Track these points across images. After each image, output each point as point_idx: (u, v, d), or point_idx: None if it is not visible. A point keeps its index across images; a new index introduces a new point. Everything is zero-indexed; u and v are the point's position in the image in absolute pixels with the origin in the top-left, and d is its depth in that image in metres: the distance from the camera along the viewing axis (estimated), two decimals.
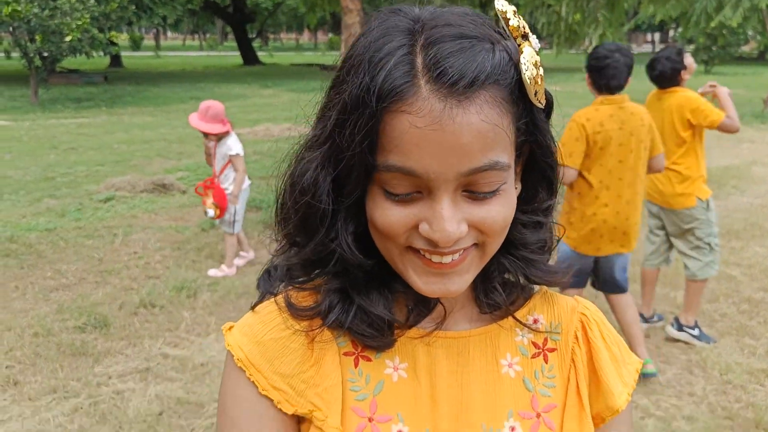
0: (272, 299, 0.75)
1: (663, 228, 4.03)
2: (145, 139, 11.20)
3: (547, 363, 0.76)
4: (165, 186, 7.46)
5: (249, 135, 11.87)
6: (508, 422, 0.72)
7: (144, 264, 5.13)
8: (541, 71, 0.65)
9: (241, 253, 5.26)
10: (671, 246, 4.04)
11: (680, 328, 3.94)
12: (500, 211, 0.65)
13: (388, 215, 0.65)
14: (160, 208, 6.78)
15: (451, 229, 0.63)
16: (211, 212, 4.82)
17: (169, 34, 79.42)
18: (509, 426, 0.72)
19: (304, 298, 0.75)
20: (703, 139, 3.83)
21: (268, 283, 0.76)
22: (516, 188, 0.71)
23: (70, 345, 3.76)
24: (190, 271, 4.93)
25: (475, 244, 0.67)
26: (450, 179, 0.62)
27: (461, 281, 0.68)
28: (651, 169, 3.37)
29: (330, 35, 67.10)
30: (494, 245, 0.68)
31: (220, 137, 4.88)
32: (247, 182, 5.16)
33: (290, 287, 0.75)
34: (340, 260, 0.70)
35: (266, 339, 0.73)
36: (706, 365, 3.66)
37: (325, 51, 56.72)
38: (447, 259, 0.66)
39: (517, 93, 0.63)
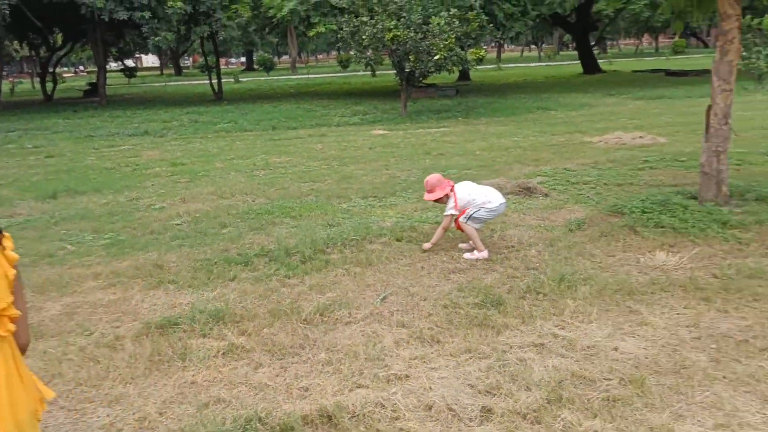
0: None
1: None
2: (502, 146, 12.10)
3: None
4: (529, 189, 8.09)
5: (600, 143, 12.04)
6: None
7: (522, 257, 5.74)
8: None
9: (476, 251, 5.79)
10: None
11: None
12: None
13: None
14: (527, 208, 7.41)
15: None
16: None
17: (506, 46, 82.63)
18: None
19: None
20: None
21: None
22: None
23: (474, 317, 4.47)
24: (566, 266, 5.39)
25: None
26: None
27: None
28: None
29: (675, 39, 62.86)
30: None
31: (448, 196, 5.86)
32: (497, 203, 5.88)
33: None
34: None
35: None
36: None
37: (669, 56, 53.42)
38: None
39: None
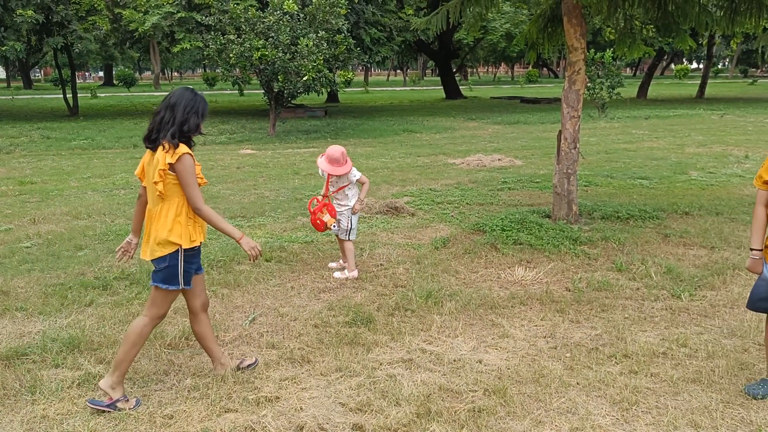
0: None
1: None
2: (370, 167, 12.31)
3: None
4: (396, 208, 8.28)
5: (462, 165, 12.55)
6: None
7: (390, 274, 5.85)
8: None
9: (346, 271, 5.84)
10: None
11: None
12: None
13: None
14: (394, 227, 7.57)
15: None
16: (335, 227, 5.84)
17: (373, 70, 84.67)
18: None
19: None
20: None
21: None
22: None
23: (345, 336, 4.49)
24: (433, 283, 5.55)
25: None
26: None
27: None
28: None
29: (529, 69, 67.09)
30: None
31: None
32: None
33: None
34: None
35: None
36: None
37: (523, 84, 56.83)
38: None
39: None
